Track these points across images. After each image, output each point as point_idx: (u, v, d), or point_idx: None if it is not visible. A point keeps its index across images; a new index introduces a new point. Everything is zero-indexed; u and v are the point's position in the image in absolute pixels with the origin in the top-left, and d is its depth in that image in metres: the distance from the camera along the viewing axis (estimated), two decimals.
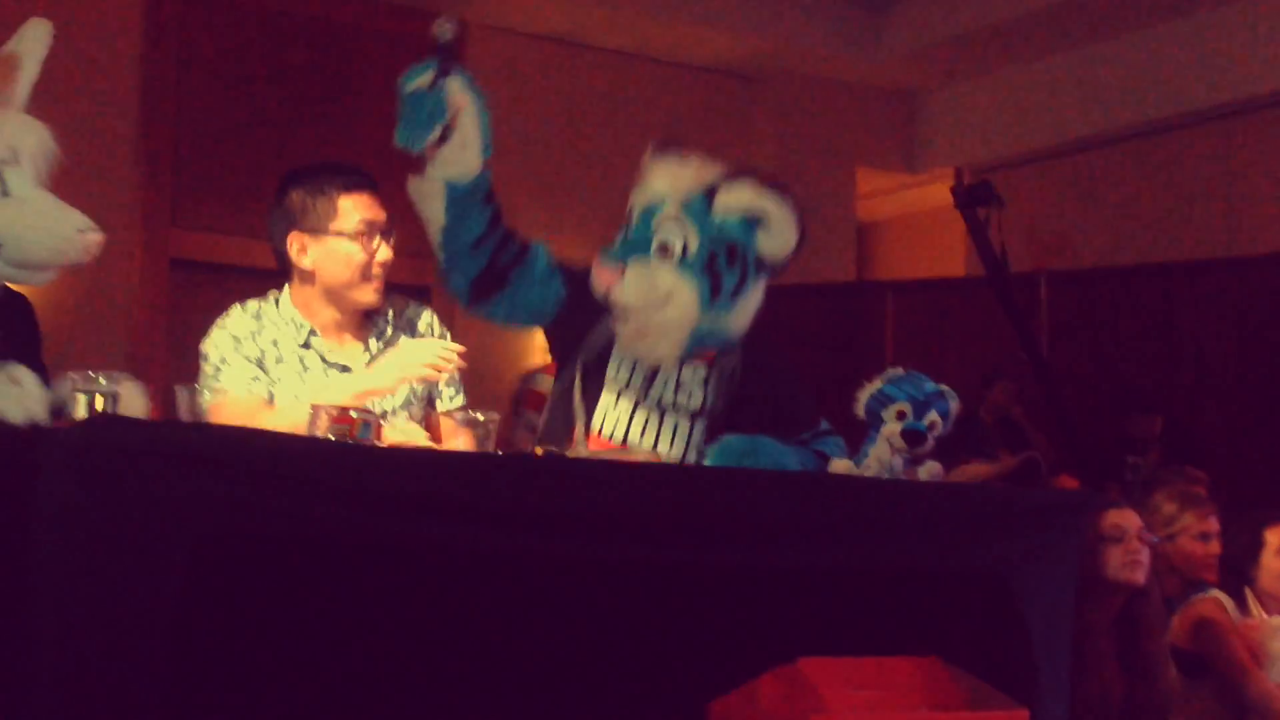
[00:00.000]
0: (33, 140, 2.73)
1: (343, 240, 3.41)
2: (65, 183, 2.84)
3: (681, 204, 3.16)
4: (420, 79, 3.11)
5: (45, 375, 2.88)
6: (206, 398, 3.35)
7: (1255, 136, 8.97)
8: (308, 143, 8.48)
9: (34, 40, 2.73)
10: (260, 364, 3.41)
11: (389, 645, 2.56)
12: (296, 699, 2.47)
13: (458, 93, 3.11)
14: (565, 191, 8.89)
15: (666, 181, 3.22)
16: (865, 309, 9.50)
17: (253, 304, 3.51)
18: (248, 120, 8.44)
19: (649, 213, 3.20)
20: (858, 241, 10.78)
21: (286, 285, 3.52)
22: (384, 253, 3.45)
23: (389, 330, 3.56)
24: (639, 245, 3.17)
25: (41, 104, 2.82)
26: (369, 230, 3.43)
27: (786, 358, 3.49)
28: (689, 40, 9.55)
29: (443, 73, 3.10)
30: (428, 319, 3.65)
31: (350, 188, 3.44)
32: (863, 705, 2.61)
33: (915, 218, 11.33)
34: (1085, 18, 9.14)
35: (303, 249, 3.43)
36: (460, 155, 3.13)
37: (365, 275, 3.43)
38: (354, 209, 3.43)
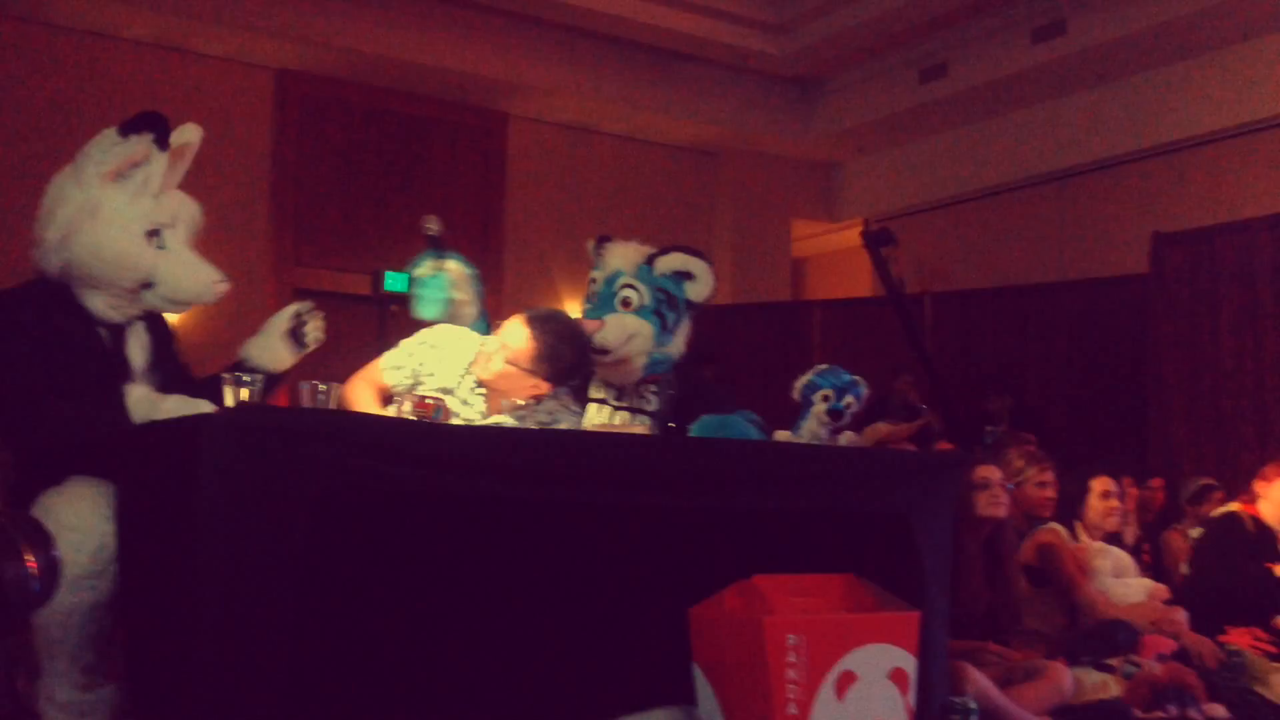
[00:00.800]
0: (188, 211, 2.76)
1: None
2: (217, 233, 2.86)
3: (633, 271, 3.36)
4: (427, 267, 3.16)
5: (186, 370, 2.90)
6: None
7: (1084, 193, 8.99)
8: (395, 202, 8.49)
9: (194, 135, 2.75)
10: (419, 369, 3.12)
11: (453, 567, 2.57)
12: (389, 609, 2.48)
13: (457, 271, 3.17)
14: (581, 239, 8.89)
15: (619, 258, 3.41)
16: (799, 321, 9.51)
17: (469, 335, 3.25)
18: (350, 186, 8.43)
19: (611, 280, 3.37)
20: (793, 272, 10.80)
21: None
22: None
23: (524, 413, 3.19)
24: (607, 302, 3.34)
25: (200, 177, 2.84)
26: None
27: (703, 372, 3.65)
28: (668, 127, 9.55)
29: (440, 258, 3.15)
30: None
31: None
32: (800, 609, 2.61)
33: (835, 254, 11.33)
34: (952, 111, 9.19)
35: None
36: (468, 312, 3.22)
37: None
38: None
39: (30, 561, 1.27)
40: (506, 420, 3.03)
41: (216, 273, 2.75)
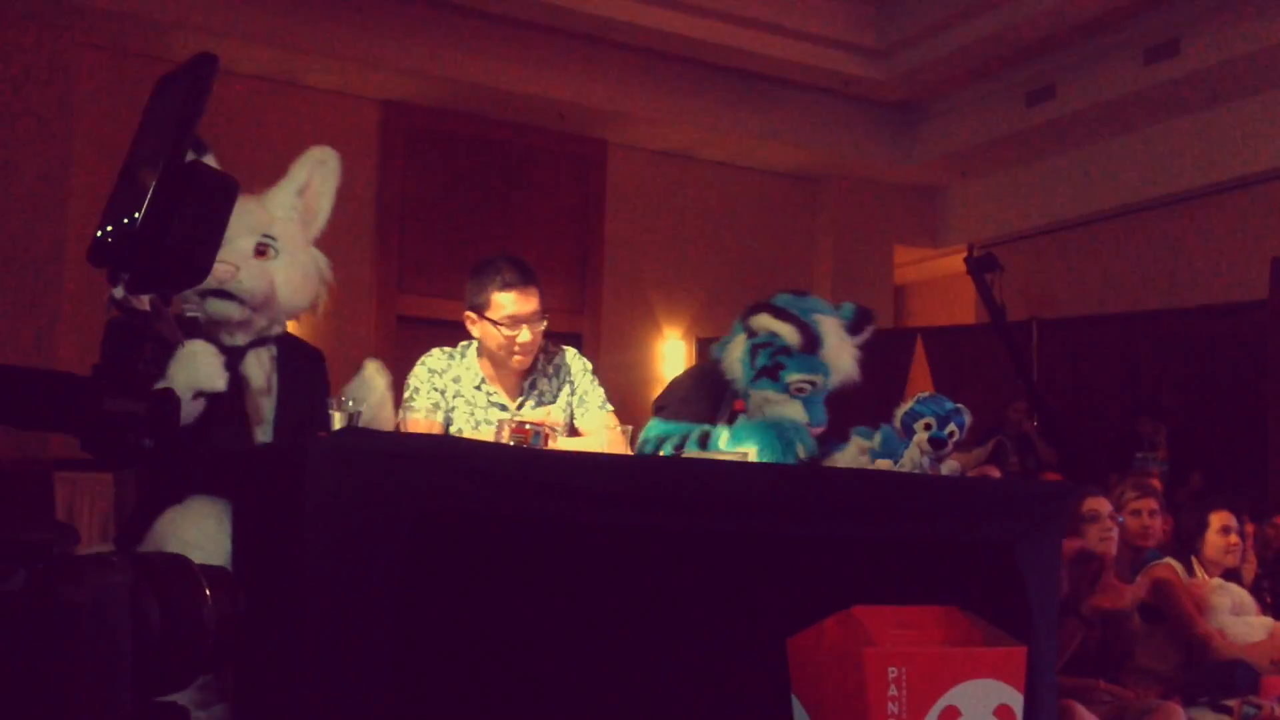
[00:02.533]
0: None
1: (490, 326, 3.33)
2: None
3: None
4: None
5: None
6: (403, 415, 3.31)
7: (1198, 217, 8.75)
8: (496, 229, 8.60)
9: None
10: (443, 394, 3.38)
11: (549, 592, 2.58)
12: (486, 632, 2.50)
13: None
14: (680, 266, 8.94)
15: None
16: (901, 348, 9.39)
17: (448, 350, 3.46)
18: (453, 214, 8.57)
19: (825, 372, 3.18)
20: (895, 298, 10.68)
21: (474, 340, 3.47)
22: (524, 336, 3.31)
23: (539, 378, 3.46)
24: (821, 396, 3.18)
25: None
26: (511, 323, 3.30)
27: None
28: (768, 153, 9.53)
29: None
30: (570, 357, 3.52)
31: (505, 286, 3.31)
32: (902, 641, 2.58)
33: (938, 280, 11.19)
34: (1059, 135, 9.02)
35: (472, 323, 3.39)
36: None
37: (509, 353, 3.33)
38: (503, 304, 3.31)
39: (214, 609, 1.24)
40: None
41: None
